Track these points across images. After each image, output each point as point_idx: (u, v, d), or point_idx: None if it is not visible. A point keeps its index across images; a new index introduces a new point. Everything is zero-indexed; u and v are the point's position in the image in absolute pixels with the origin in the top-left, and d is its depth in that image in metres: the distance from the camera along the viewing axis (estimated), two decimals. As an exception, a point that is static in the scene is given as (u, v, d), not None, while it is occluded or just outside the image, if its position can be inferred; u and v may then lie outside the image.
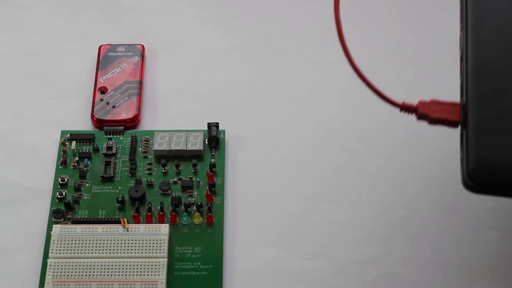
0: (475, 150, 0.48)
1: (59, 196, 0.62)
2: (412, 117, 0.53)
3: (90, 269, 0.58)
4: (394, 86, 0.61)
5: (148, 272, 0.58)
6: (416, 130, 0.62)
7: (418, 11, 0.73)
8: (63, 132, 0.66)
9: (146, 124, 0.67)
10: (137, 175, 0.64)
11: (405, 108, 0.52)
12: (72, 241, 0.59)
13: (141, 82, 0.68)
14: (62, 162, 0.64)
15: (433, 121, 0.51)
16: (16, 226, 0.62)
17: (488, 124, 0.48)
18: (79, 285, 0.57)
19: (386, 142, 0.66)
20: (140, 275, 0.58)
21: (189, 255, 0.60)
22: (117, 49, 0.70)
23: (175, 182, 0.63)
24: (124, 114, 0.66)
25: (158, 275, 0.58)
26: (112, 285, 0.57)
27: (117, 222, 0.60)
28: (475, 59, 0.50)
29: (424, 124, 0.53)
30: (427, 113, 0.51)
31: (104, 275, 0.58)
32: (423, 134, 0.64)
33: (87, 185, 0.63)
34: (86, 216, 0.61)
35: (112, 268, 0.58)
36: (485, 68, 0.50)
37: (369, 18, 0.73)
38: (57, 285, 0.57)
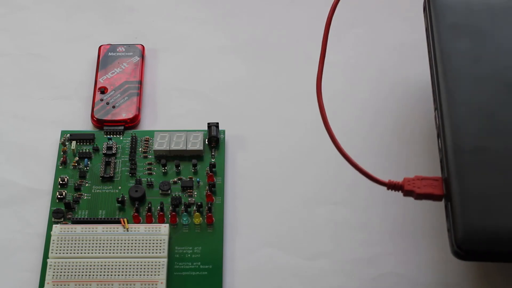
0: (461, 221, 0.50)
1: (59, 196, 0.62)
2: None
3: (90, 269, 0.58)
4: (393, 84, 0.61)
5: (148, 272, 0.58)
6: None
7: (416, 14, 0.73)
8: (63, 132, 0.66)
9: (146, 124, 0.67)
10: (137, 175, 0.64)
11: (392, 186, 0.54)
12: (72, 241, 0.59)
13: (141, 82, 0.68)
14: (62, 162, 0.64)
15: (419, 196, 0.54)
16: (16, 226, 0.61)
17: (470, 196, 0.51)
18: (79, 285, 0.57)
19: (386, 142, 0.65)
20: (140, 275, 0.58)
21: (189, 255, 0.60)
22: (117, 49, 0.70)
23: (175, 182, 0.63)
24: (124, 114, 0.66)
25: (158, 275, 0.58)
26: (112, 285, 0.57)
27: (117, 222, 0.60)
28: (452, 136, 0.53)
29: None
30: (413, 189, 0.54)
31: (104, 275, 0.58)
32: (422, 131, 0.65)
33: (87, 185, 0.63)
34: (86, 216, 0.61)
35: (112, 268, 0.58)
36: (461, 144, 0.53)
37: (367, 20, 0.73)
38: (57, 285, 0.57)
